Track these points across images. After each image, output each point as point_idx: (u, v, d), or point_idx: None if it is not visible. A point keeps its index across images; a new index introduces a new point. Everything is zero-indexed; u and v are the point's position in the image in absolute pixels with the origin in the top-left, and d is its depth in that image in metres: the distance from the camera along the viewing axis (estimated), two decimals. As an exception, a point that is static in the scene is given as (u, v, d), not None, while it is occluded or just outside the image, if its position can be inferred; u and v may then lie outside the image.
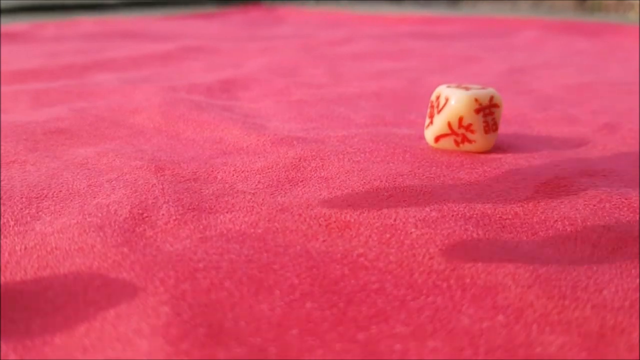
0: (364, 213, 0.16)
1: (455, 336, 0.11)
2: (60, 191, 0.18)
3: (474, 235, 0.15)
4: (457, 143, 0.22)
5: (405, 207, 0.16)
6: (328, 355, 0.11)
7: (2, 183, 0.19)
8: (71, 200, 0.17)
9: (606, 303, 0.12)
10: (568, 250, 0.14)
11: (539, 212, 0.16)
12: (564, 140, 0.24)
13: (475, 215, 0.16)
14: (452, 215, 0.16)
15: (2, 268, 0.14)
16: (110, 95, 0.32)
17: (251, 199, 0.17)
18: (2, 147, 0.22)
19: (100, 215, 0.16)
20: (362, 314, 0.12)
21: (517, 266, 0.13)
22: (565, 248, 0.14)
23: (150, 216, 0.16)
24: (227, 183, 0.19)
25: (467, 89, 0.22)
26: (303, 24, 0.79)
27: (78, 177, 0.19)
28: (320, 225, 0.15)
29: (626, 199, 0.17)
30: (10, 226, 0.16)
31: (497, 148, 0.23)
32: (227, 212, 0.16)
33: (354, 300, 0.12)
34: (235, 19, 0.85)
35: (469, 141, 0.22)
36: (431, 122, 0.22)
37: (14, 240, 0.15)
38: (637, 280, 0.13)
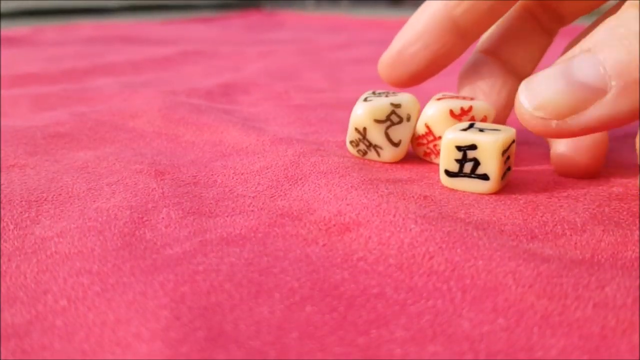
0: (363, 211, 0.16)
1: (456, 341, 0.11)
2: (60, 195, 0.18)
3: (474, 234, 0.15)
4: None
5: (404, 204, 0.16)
6: (328, 359, 0.11)
7: (2, 187, 0.19)
8: (71, 204, 0.17)
9: (608, 301, 0.12)
10: (568, 252, 0.14)
11: (538, 216, 0.16)
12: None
13: (475, 219, 0.16)
14: (452, 217, 0.16)
15: (2, 272, 0.14)
16: (110, 99, 0.32)
17: (251, 202, 0.17)
18: (2, 151, 0.22)
19: (100, 219, 0.16)
20: (362, 318, 0.12)
21: (517, 264, 0.13)
22: (565, 250, 0.14)
23: (150, 220, 0.16)
24: (227, 187, 0.19)
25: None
26: (302, 29, 0.79)
27: (78, 180, 0.19)
28: (320, 229, 0.15)
29: (625, 203, 0.17)
30: (9, 230, 0.16)
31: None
32: (227, 216, 0.16)
33: (354, 304, 0.12)
34: (235, 24, 0.85)
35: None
36: None
37: (14, 244, 0.15)
38: (638, 282, 0.13)
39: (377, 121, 0.20)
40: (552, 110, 0.15)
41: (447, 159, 0.18)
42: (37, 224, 0.16)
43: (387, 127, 0.20)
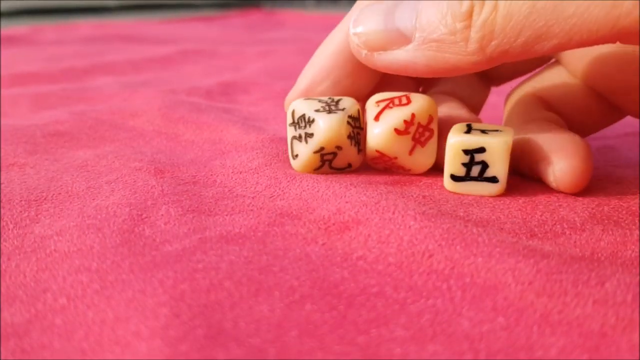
0: (362, 209, 0.16)
1: (456, 340, 0.11)
2: (60, 194, 0.18)
3: (474, 230, 0.15)
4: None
5: (403, 202, 0.16)
6: (328, 358, 0.11)
7: (1, 186, 0.19)
8: (70, 202, 0.17)
9: (608, 298, 0.12)
10: (568, 250, 0.14)
11: (537, 215, 0.16)
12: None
13: (474, 218, 0.16)
14: (451, 214, 0.16)
15: (2, 271, 0.14)
16: (110, 98, 0.32)
17: (250, 202, 0.17)
18: (1, 150, 0.22)
19: (99, 216, 0.16)
20: (362, 317, 0.12)
21: (517, 260, 0.13)
22: (565, 248, 0.14)
23: (150, 216, 0.16)
24: (226, 186, 0.19)
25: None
26: (302, 28, 0.79)
27: (77, 179, 0.19)
28: (319, 228, 0.15)
29: (624, 202, 0.17)
30: (9, 229, 0.16)
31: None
32: (226, 215, 0.16)
33: (354, 303, 0.12)
34: (234, 23, 0.85)
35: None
36: None
37: (14, 243, 0.15)
38: (638, 279, 0.13)
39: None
40: (365, 41, 0.17)
41: (453, 163, 0.17)
42: (37, 222, 0.16)
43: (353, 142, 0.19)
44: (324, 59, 0.19)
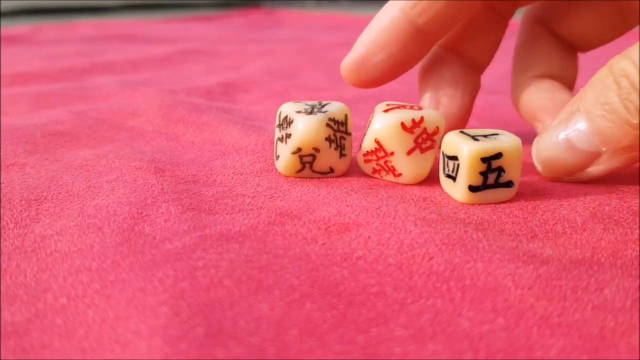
0: (362, 212, 0.16)
1: (455, 340, 0.11)
2: (60, 193, 0.18)
3: (474, 236, 0.15)
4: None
5: (404, 207, 0.16)
6: (328, 356, 0.11)
7: (1, 186, 0.19)
8: (70, 202, 0.17)
9: (607, 303, 0.12)
10: (568, 252, 0.14)
11: (538, 215, 0.16)
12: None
13: (475, 221, 0.16)
14: (452, 218, 0.16)
15: (2, 271, 0.14)
16: (110, 98, 0.32)
17: (250, 202, 0.17)
18: (1, 150, 0.22)
19: (99, 215, 0.16)
20: (362, 317, 0.12)
21: (517, 266, 0.13)
22: (565, 249, 0.14)
23: (150, 214, 0.16)
24: (226, 186, 0.19)
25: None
26: (303, 27, 0.79)
27: (77, 179, 0.19)
28: (319, 228, 0.15)
29: (625, 202, 0.17)
30: (9, 229, 0.16)
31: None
32: (226, 214, 0.16)
33: (354, 302, 0.12)
34: (235, 22, 0.85)
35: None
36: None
37: (14, 243, 0.15)
38: (638, 282, 0.13)
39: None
40: (560, 171, 0.18)
41: (471, 174, 0.17)
42: (37, 222, 0.16)
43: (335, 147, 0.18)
44: (379, 32, 0.20)
